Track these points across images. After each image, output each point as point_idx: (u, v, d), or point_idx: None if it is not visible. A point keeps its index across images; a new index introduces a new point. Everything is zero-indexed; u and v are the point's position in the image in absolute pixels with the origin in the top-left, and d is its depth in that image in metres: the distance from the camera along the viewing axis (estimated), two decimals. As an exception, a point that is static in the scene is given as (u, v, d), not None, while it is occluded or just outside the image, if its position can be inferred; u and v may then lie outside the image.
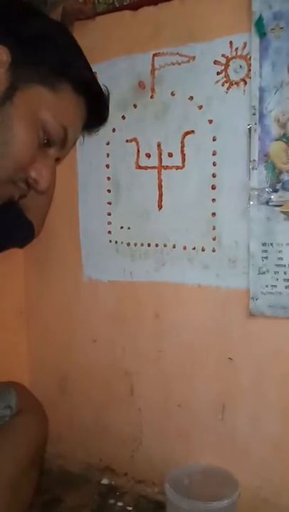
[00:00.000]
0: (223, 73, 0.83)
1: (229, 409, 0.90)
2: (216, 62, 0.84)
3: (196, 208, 0.89)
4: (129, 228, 0.96)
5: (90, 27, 0.96)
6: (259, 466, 0.87)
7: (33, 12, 0.69)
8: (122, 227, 0.97)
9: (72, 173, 1.01)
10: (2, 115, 0.63)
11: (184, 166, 0.89)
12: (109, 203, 0.98)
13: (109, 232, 0.98)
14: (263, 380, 0.86)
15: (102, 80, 0.94)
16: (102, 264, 1.00)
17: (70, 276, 1.04)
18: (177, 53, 0.87)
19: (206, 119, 0.86)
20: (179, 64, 0.87)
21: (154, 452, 0.99)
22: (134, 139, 0.94)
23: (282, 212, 0.80)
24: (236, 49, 0.82)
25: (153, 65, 0.90)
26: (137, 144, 0.93)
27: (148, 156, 0.93)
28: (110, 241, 0.98)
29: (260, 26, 0.78)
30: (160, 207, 0.92)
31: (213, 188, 0.87)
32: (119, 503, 0.94)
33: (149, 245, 0.94)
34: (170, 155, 0.90)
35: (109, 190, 0.98)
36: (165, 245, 0.92)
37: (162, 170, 0.91)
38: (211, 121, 0.86)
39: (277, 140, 0.79)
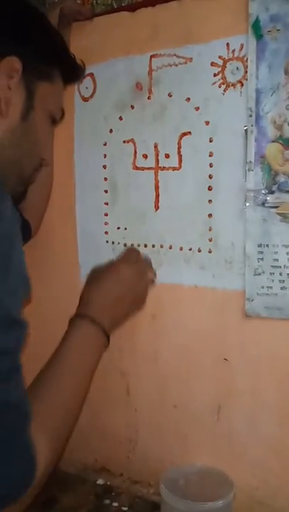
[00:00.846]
0: (220, 75, 0.84)
1: (225, 410, 0.90)
2: (213, 63, 0.84)
3: (192, 208, 0.89)
4: (126, 229, 0.96)
5: (87, 28, 0.96)
6: (255, 467, 0.88)
7: (25, 8, 0.71)
8: (118, 228, 0.97)
9: (70, 174, 1.01)
10: (29, 123, 0.68)
11: (180, 167, 0.89)
12: (106, 204, 0.98)
13: (106, 232, 0.98)
14: (259, 381, 0.86)
15: (99, 80, 0.96)
16: (99, 265, 1.00)
17: (67, 276, 1.04)
18: (174, 55, 0.88)
19: (203, 121, 0.86)
20: (176, 65, 0.88)
21: (150, 453, 0.99)
22: (132, 140, 0.94)
23: (278, 213, 0.80)
24: (233, 51, 0.82)
25: (150, 66, 0.90)
26: (134, 144, 0.94)
27: (145, 156, 0.93)
28: (107, 241, 0.99)
29: (257, 28, 0.78)
30: (157, 208, 0.93)
31: (210, 189, 0.87)
32: (115, 504, 0.94)
33: (145, 246, 0.94)
34: (167, 156, 0.91)
35: (106, 191, 0.98)
36: (162, 246, 0.93)
37: (159, 171, 0.92)
38: (207, 123, 0.86)
39: (273, 142, 0.80)
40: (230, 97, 0.83)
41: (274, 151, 0.80)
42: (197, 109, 0.86)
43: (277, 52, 0.78)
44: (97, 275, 0.83)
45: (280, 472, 0.85)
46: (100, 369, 1.02)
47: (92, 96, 0.97)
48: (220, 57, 0.83)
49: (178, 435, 0.95)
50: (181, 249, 0.91)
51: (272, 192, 0.80)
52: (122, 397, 1.01)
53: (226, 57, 0.83)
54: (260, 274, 0.82)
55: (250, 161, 0.81)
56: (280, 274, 0.81)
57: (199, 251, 0.89)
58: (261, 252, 0.82)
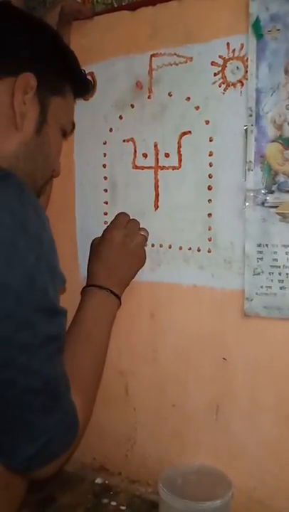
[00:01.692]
0: (220, 74, 0.84)
1: (224, 410, 0.90)
2: (213, 63, 0.84)
3: (192, 208, 0.89)
4: (125, 228, 0.96)
5: (88, 27, 0.96)
6: (253, 467, 0.88)
7: (41, 26, 0.75)
8: (118, 227, 0.97)
9: (69, 173, 1.01)
10: (43, 136, 0.72)
11: (180, 166, 0.89)
12: (106, 203, 0.98)
13: (106, 231, 0.98)
14: (257, 381, 0.86)
15: (99, 79, 0.96)
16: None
17: (67, 275, 1.03)
18: (175, 54, 0.87)
19: (203, 120, 0.86)
20: (177, 65, 0.88)
21: (148, 452, 0.99)
22: (131, 139, 0.94)
23: (278, 213, 0.80)
24: (233, 50, 0.82)
25: (150, 65, 0.90)
26: (134, 144, 0.94)
27: (145, 156, 0.93)
28: (107, 241, 0.98)
29: (257, 28, 0.78)
30: (156, 207, 0.93)
31: (210, 188, 0.87)
32: (113, 503, 0.94)
33: (145, 245, 0.94)
34: (167, 155, 0.91)
35: (105, 190, 0.98)
36: (161, 245, 0.93)
37: (159, 170, 0.92)
38: (207, 122, 0.86)
39: (273, 141, 0.80)
40: (230, 97, 0.83)
41: (274, 151, 0.80)
42: (197, 108, 0.86)
43: (277, 52, 0.78)
44: (95, 248, 0.91)
45: (278, 472, 0.85)
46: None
47: (92, 95, 0.97)
48: (220, 56, 0.83)
49: (176, 434, 0.95)
50: (180, 248, 0.91)
51: (271, 192, 0.80)
52: (120, 397, 1.01)
53: (226, 57, 0.83)
54: (259, 273, 0.82)
55: (250, 161, 0.81)
56: (280, 273, 0.81)
57: (198, 250, 0.89)
58: (260, 252, 0.82)
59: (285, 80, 0.78)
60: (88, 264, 0.91)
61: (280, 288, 0.81)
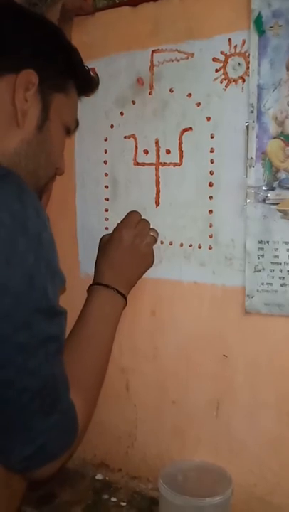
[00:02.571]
0: (222, 70, 0.83)
1: (224, 407, 0.90)
2: (214, 59, 0.84)
3: (193, 205, 0.89)
4: (126, 225, 0.96)
5: (89, 23, 0.96)
6: (253, 464, 0.88)
7: (43, 23, 0.75)
8: (119, 224, 0.97)
9: (70, 169, 1.01)
10: (45, 133, 0.71)
11: (181, 163, 0.89)
12: (107, 199, 0.98)
13: (107, 228, 0.98)
14: (258, 378, 0.86)
15: (101, 76, 0.96)
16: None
17: (67, 272, 1.02)
18: (176, 50, 0.87)
19: (204, 116, 0.86)
20: (178, 61, 0.87)
21: (148, 448, 0.99)
22: (132, 136, 0.94)
23: (279, 210, 0.80)
24: (235, 46, 0.82)
25: (152, 61, 0.90)
26: (135, 140, 0.93)
27: (146, 152, 0.93)
28: (107, 237, 0.98)
29: (259, 24, 0.78)
30: (157, 204, 0.92)
31: (211, 185, 0.87)
32: (113, 499, 0.95)
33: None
34: (168, 152, 0.90)
35: (106, 187, 0.98)
36: (162, 242, 0.92)
37: (160, 167, 0.92)
38: (209, 119, 0.86)
39: (274, 138, 0.79)
40: (231, 93, 0.83)
41: (275, 148, 0.79)
42: (198, 104, 0.86)
43: (279, 48, 0.77)
44: (104, 245, 0.90)
45: (278, 469, 0.85)
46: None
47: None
48: (222, 52, 0.83)
49: (177, 431, 0.95)
50: (181, 245, 0.91)
51: (273, 188, 0.80)
52: (121, 393, 1.01)
53: (228, 53, 0.82)
54: (260, 270, 0.82)
55: (252, 158, 0.81)
56: (280, 270, 0.81)
57: (199, 247, 0.89)
58: (261, 249, 0.82)
59: (287, 76, 0.77)
60: (96, 262, 0.90)
61: (281, 285, 0.81)
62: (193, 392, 0.93)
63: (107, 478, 1.01)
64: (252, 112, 0.80)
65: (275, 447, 0.85)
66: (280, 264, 0.80)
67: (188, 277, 0.91)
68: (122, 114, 0.94)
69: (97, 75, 0.89)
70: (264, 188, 0.80)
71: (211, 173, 0.86)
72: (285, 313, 0.81)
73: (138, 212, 0.91)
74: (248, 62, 0.80)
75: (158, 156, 0.91)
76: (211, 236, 0.87)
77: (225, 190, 0.85)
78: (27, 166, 0.70)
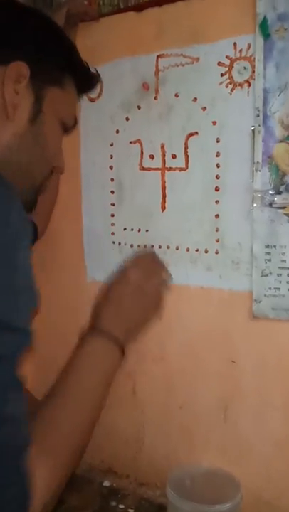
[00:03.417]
0: (227, 74, 0.83)
1: (232, 411, 0.90)
2: (220, 63, 0.84)
3: (199, 209, 0.88)
4: (132, 230, 0.96)
5: (94, 28, 0.96)
6: (261, 467, 0.87)
7: (33, 15, 0.72)
8: (125, 229, 0.97)
9: (76, 174, 1.01)
10: (38, 127, 0.68)
11: (187, 167, 0.89)
12: (113, 204, 0.98)
13: (113, 233, 0.98)
14: (265, 382, 0.85)
15: (106, 80, 0.96)
16: (106, 266, 0.99)
17: (74, 277, 1.04)
18: (181, 54, 0.87)
19: (210, 121, 0.86)
20: (183, 65, 0.87)
21: (156, 453, 0.99)
22: (138, 141, 0.94)
23: (286, 214, 0.79)
24: (240, 50, 0.82)
25: (157, 66, 0.90)
26: (141, 145, 0.93)
27: (151, 157, 0.93)
28: (114, 242, 0.98)
29: (264, 28, 0.78)
30: (163, 208, 0.92)
31: (217, 189, 0.86)
32: (121, 506, 0.94)
33: (152, 246, 0.94)
34: (174, 156, 0.90)
35: (112, 192, 0.98)
36: (168, 247, 0.92)
37: (166, 171, 0.91)
38: (214, 123, 0.86)
39: (281, 142, 0.79)
40: (237, 97, 0.83)
41: (282, 151, 0.79)
42: (204, 109, 0.86)
43: (284, 51, 0.77)
44: (106, 285, 0.77)
45: (286, 471, 0.85)
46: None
47: (98, 96, 0.97)
48: (227, 56, 0.83)
49: (184, 435, 0.95)
50: (187, 250, 0.90)
51: (279, 192, 0.80)
52: (128, 398, 1.00)
53: (233, 57, 0.82)
54: (267, 275, 0.82)
55: (258, 162, 0.81)
56: (288, 275, 0.80)
57: (206, 252, 0.88)
58: (269, 253, 0.81)
59: (293, 79, 0.77)
60: (94, 304, 0.76)
61: (289, 289, 0.80)
62: (200, 396, 0.92)
63: (114, 484, 1.01)
64: (258, 115, 0.80)
65: (283, 450, 0.85)
66: (288, 268, 0.80)
67: (195, 282, 0.90)
68: (127, 119, 0.94)
69: (97, 71, 0.85)
70: (271, 192, 0.80)
71: (217, 177, 0.86)
72: (293, 317, 0.81)
73: (150, 251, 0.81)
74: (254, 65, 0.80)
75: (164, 161, 0.91)
76: (217, 240, 0.87)
77: (231, 195, 0.85)
78: (19, 160, 0.68)
